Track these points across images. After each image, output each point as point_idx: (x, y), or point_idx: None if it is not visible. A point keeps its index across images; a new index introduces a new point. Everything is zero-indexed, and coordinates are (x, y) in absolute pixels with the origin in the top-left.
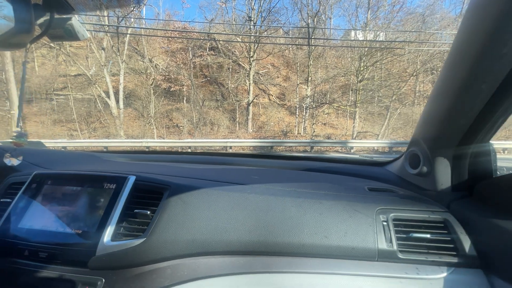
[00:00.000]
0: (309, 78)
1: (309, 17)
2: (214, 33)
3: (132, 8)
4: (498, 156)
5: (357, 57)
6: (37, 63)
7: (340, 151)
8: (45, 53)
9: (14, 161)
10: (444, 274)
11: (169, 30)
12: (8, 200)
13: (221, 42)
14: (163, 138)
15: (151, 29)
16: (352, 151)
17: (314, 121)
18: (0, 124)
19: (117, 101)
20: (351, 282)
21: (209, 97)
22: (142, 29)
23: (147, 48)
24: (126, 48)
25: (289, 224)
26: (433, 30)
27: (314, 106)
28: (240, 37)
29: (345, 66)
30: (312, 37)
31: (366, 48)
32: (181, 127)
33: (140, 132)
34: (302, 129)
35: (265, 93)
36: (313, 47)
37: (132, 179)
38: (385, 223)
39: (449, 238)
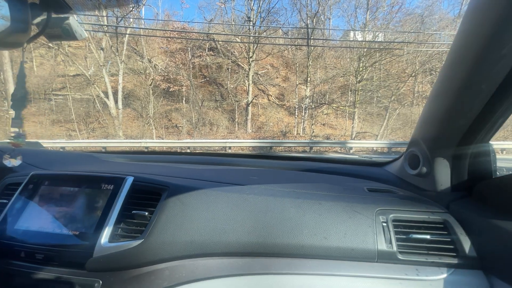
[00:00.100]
0: (308, 79)
1: (308, 18)
2: (213, 34)
3: (131, 8)
4: (497, 156)
5: (356, 57)
6: (36, 63)
7: (339, 151)
8: (44, 53)
9: (14, 162)
10: (444, 275)
11: (168, 30)
12: (5, 201)
13: (220, 42)
14: (162, 139)
15: (150, 29)
16: (351, 151)
17: (313, 121)
18: None
19: (116, 102)
20: (350, 283)
21: (208, 98)
22: (141, 29)
23: (146, 48)
24: (125, 48)
25: (288, 225)
26: (431, 31)
27: (313, 106)
28: (239, 37)
29: (344, 67)
30: (311, 37)
31: (365, 49)
32: (180, 128)
33: (139, 132)
34: (301, 130)
35: (264, 93)
36: (312, 47)
37: (130, 180)
38: (384, 224)
39: (449, 239)
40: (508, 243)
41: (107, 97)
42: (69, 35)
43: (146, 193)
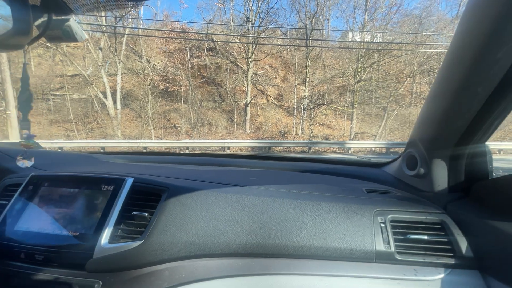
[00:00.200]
0: (307, 79)
1: (307, 18)
2: (212, 34)
3: (129, 9)
4: (494, 156)
5: (354, 58)
6: (34, 63)
7: (338, 152)
8: (42, 53)
9: (27, 163)
10: (442, 275)
11: (167, 30)
12: (4, 202)
13: (219, 42)
14: (161, 139)
15: (149, 29)
16: (349, 152)
17: (312, 122)
18: None
19: (114, 102)
20: (349, 283)
21: (207, 98)
22: (139, 29)
23: (144, 48)
24: (123, 48)
25: (288, 226)
26: (429, 32)
27: (312, 107)
28: (238, 37)
29: (343, 67)
30: (310, 38)
31: (364, 50)
32: (179, 128)
33: (138, 132)
34: (300, 130)
35: (263, 93)
36: (311, 48)
37: (130, 181)
38: (382, 225)
39: (446, 240)
40: (504, 243)
41: (106, 97)
42: (70, 36)
43: (146, 194)
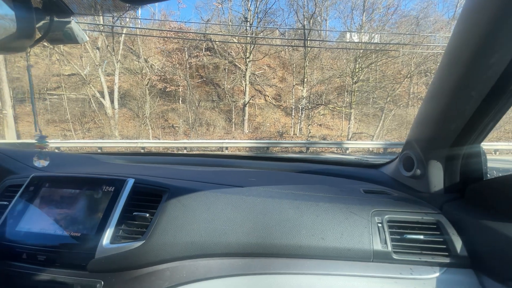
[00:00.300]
0: (305, 79)
1: (305, 19)
2: (210, 34)
3: (127, 8)
4: (490, 157)
5: (352, 58)
6: (30, 62)
7: (336, 152)
8: (39, 52)
9: (43, 163)
10: (437, 274)
11: (165, 30)
12: (5, 203)
13: (217, 42)
14: (159, 139)
15: (146, 29)
16: (347, 152)
17: (309, 122)
18: None
19: (112, 101)
20: (347, 282)
21: (205, 98)
22: (137, 29)
23: (142, 48)
24: (121, 48)
25: (287, 226)
26: (426, 33)
27: (309, 107)
28: (236, 38)
29: (341, 68)
30: (308, 38)
31: (361, 50)
32: (176, 128)
33: (135, 132)
34: (298, 130)
35: (261, 94)
36: (309, 48)
37: (131, 182)
38: (380, 225)
39: (441, 239)
40: (498, 243)
41: (103, 97)
42: (71, 39)
43: (147, 195)
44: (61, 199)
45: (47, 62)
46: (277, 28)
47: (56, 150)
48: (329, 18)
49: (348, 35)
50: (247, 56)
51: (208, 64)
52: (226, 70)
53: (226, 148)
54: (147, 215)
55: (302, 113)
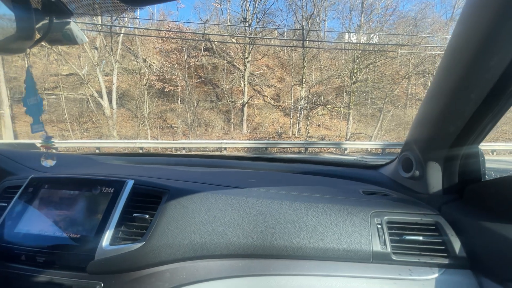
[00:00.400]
0: (304, 80)
1: (304, 19)
2: (209, 34)
3: (126, 8)
4: (487, 157)
5: (351, 59)
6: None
7: (334, 152)
8: (36, 52)
9: (50, 163)
10: (436, 275)
11: (163, 30)
12: (4, 204)
13: (216, 43)
14: (157, 139)
15: (145, 29)
16: (346, 152)
17: (308, 122)
18: None
19: (110, 101)
20: (346, 283)
21: (203, 98)
22: (136, 29)
23: (141, 48)
24: (119, 47)
25: (287, 227)
26: (424, 34)
27: (308, 107)
28: (235, 38)
29: (339, 68)
30: (307, 39)
31: (360, 51)
32: (175, 128)
33: (134, 132)
34: (297, 130)
35: (259, 94)
36: (307, 49)
37: (130, 183)
38: (379, 226)
39: (440, 240)
40: (496, 244)
41: (101, 97)
42: (70, 39)
43: (147, 196)
44: (60, 201)
45: (45, 62)
46: (275, 28)
47: (54, 151)
48: (327, 19)
49: (346, 35)
50: (246, 56)
51: (207, 64)
52: (225, 70)
53: (225, 148)
54: (147, 216)
55: (300, 114)
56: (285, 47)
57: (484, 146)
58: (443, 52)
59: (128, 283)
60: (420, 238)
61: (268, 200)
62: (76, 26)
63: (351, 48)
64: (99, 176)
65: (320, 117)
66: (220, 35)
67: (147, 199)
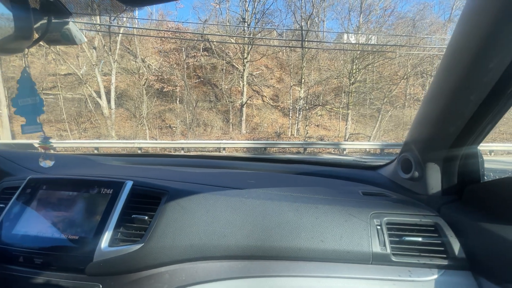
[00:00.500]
0: (303, 80)
1: (303, 20)
2: (208, 34)
3: (124, 8)
4: (485, 157)
5: (349, 59)
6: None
7: (333, 152)
8: (34, 52)
9: (48, 163)
10: (435, 276)
11: (162, 30)
12: (1, 205)
13: (215, 43)
14: (156, 139)
15: (144, 28)
16: (344, 152)
17: (307, 122)
18: None
19: (109, 101)
20: (346, 285)
21: (202, 98)
22: (134, 29)
23: (139, 48)
24: (118, 47)
25: (286, 229)
26: (423, 35)
27: (307, 107)
28: (234, 38)
29: (338, 69)
30: (306, 39)
31: (358, 51)
32: (174, 128)
33: (132, 132)
34: (296, 131)
35: (258, 94)
36: (306, 49)
37: (129, 184)
38: (378, 227)
39: (439, 241)
40: (495, 245)
41: (100, 97)
42: (69, 39)
43: (146, 197)
44: (59, 202)
45: (43, 61)
46: (274, 29)
47: (52, 151)
48: (326, 19)
49: (345, 36)
50: (245, 56)
51: (206, 64)
52: (224, 70)
53: (224, 148)
54: (146, 217)
55: (299, 114)
56: (284, 48)
57: (482, 146)
58: (441, 53)
59: (127, 284)
60: (420, 239)
61: (268, 201)
62: (74, 26)
63: (350, 48)
64: (98, 177)
65: (319, 117)
66: (219, 35)
67: (146, 200)
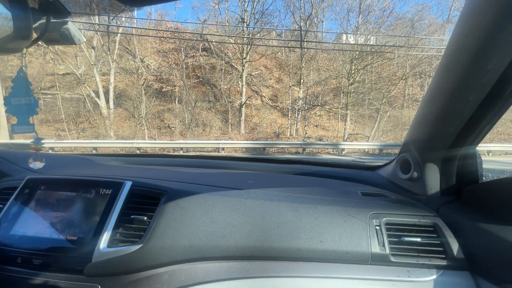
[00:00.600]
0: (301, 80)
1: (302, 20)
2: (207, 34)
3: (123, 8)
4: (483, 158)
5: (348, 60)
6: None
7: (332, 153)
8: (32, 51)
9: (38, 165)
10: (434, 277)
11: (161, 30)
12: None
13: (214, 43)
14: (155, 139)
15: (143, 28)
16: (343, 152)
17: (306, 123)
18: None
19: (107, 101)
20: (345, 285)
21: (201, 98)
22: (133, 29)
23: (138, 47)
24: (116, 47)
25: (286, 229)
26: (421, 35)
27: (306, 108)
28: (233, 38)
29: (337, 69)
30: (305, 39)
31: (357, 52)
32: (173, 128)
33: (131, 132)
34: (294, 131)
35: (257, 94)
36: (305, 49)
37: (128, 185)
38: (378, 228)
39: (438, 242)
40: (494, 245)
41: (98, 97)
42: (68, 39)
43: (145, 197)
44: (57, 202)
45: (41, 61)
46: (273, 29)
47: (50, 151)
48: (325, 20)
49: (344, 36)
50: (244, 56)
51: (205, 64)
52: (223, 70)
53: (223, 148)
54: (145, 218)
55: (298, 114)
56: (283, 48)
57: (480, 147)
58: (439, 54)
59: (126, 285)
60: (419, 239)
61: (267, 201)
62: (73, 26)
63: (349, 49)
64: (97, 177)
65: (317, 117)
66: (218, 35)
67: (145, 201)
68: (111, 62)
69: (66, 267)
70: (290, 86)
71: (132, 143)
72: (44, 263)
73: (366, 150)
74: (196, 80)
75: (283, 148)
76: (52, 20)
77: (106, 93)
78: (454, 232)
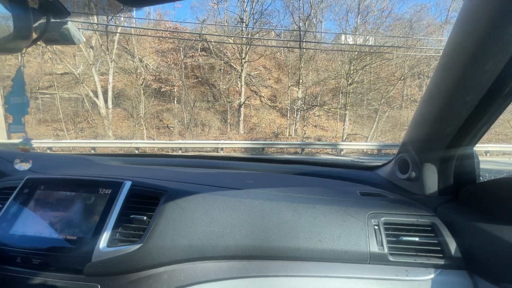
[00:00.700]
0: (300, 81)
1: (301, 20)
2: (206, 34)
3: (122, 8)
4: (481, 158)
5: (347, 60)
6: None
7: (331, 153)
8: (30, 51)
9: (25, 166)
10: (432, 276)
11: (160, 30)
12: None
13: (212, 43)
14: (153, 139)
15: (141, 28)
16: (342, 153)
17: (305, 123)
18: None
19: (106, 101)
20: (344, 284)
21: (200, 98)
22: (132, 28)
23: (137, 47)
24: (115, 47)
25: (285, 229)
26: (420, 36)
27: (305, 108)
28: (232, 38)
29: (336, 69)
30: (304, 40)
31: (356, 52)
32: (171, 128)
33: (130, 132)
34: (293, 131)
35: (256, 94)
36: (304, 50)
37: (128, 184)
38: (376, 227)
39: (436, 241)
40: (491, 245)
41: (97, 97)
42: (67, 39)
43: (144, 197)
44: (57, 202)
45: (39, 60)
46: (273, 29)
47: (49, 151)
48: (324, 20)
49: (343, 37)
50: (243, 57)
51: (204, 64)
52: (222, 70)
53: (222, 148)
54: (145, 218)
55: (297, 114)
56: (282, 48)
57: (477, 147)
58: (438, 55)
59: (126, 285)
60: (417, 239)
61: (266, 201)
62: (73, 26)
63: (348, 49)
64: (96, 177)
65: (316, 118)
66: (217, 35)
67: (145, 201)
68: (110, 62)
69: (65, 267)
70: (289, 86)
71: (130, 143)
72: (43, 263)
73: (365, 150)
74: (195, 80)
75: (282, 148)
76: (52, 20)
77: (105, 93)
78: (452, 231)
